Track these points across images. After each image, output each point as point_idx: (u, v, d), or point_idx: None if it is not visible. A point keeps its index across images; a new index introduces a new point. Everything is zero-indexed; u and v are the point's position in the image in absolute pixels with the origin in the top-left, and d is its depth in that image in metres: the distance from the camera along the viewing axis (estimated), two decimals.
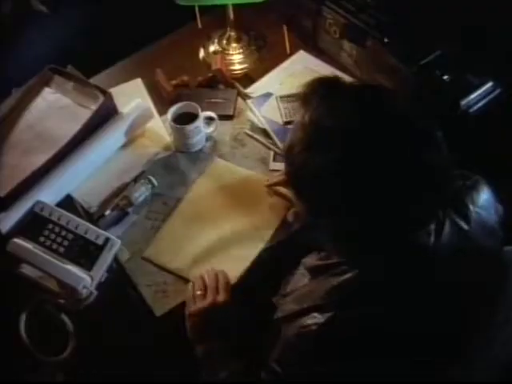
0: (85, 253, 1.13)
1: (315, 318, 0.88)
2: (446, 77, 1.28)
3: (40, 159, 1.26)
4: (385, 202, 0.79)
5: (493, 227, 0.96)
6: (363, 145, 0.78)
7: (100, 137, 1.32)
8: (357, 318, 0.86)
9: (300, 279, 1.04)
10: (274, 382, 0.96)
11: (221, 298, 1.11)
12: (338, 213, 0.83)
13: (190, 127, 1.32)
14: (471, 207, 0.93)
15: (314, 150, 0.81)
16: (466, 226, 0.91)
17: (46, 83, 1.42)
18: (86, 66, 1.47)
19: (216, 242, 1.23)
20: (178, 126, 1.32)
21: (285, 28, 1.62)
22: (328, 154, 0.79)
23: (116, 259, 1.19)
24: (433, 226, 0.87)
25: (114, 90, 1.39)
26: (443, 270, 0.87)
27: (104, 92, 1.35)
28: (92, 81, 1.44)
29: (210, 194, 1.31)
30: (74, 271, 1.11)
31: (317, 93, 0.86)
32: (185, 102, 1.36)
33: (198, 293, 1.12)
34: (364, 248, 0.87)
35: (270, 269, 1.18)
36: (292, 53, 1.59)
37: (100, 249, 1.14)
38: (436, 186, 0.81)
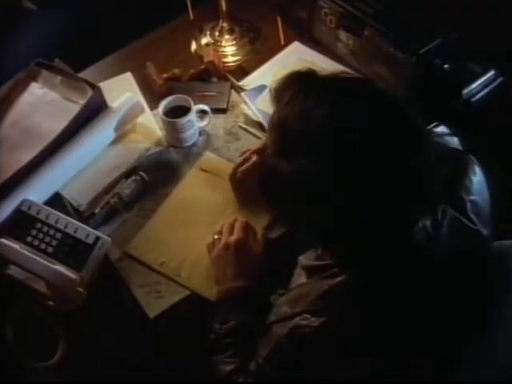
0: (74, 252, 1.10)
1: (308, 320, 0.85)
2: (446, 65, 1.24)
3: (27, 156, 1.21)
4: (362, 213, 0.73)
5: (488, 215, 0.92)
6: (335, 152, 0.72)
7: (89, 132, 1.28)
8: (351, 322, 0.83)
9: (297, 278, 1.01)
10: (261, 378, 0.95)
11: (233, 237, 1.11)
12: (308, 225, 0.80)
13: (182, 121, 1.28)
14: (465, 197, 0.89)
15: (282, 155, 0.76)
16: (464, 220, 0.87)
17: (33, 78, 1.38)
18: (75, 61, 1.42)
19: (203, 238, 1.19)
20: (170, 119, 1.28)
21: (279, 19, 1.59)
22: (296, 161, 0.74)
23: (107, 259, 1.15)
24: (429, 223, 0.82)
25: (103, 85, 1.35)
26: (442, 269, 0.83)
27: (93, 86, 1.31)
28: (81, 75, 1.40)
29: (199, 189, 1.28)
30: (63, 272, 1.07)
31: (288, 89, 0.79)
32: (176, 95, 1.32)
33: (216, 237, 1.15)
34: (347, 250, 0.83)
35: (268, 267, 1.15)
36: (286, 44, 1.55)
37: (90, 248, 1.10)
38: (422, 187, 0.75)
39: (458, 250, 0.85)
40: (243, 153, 1.24)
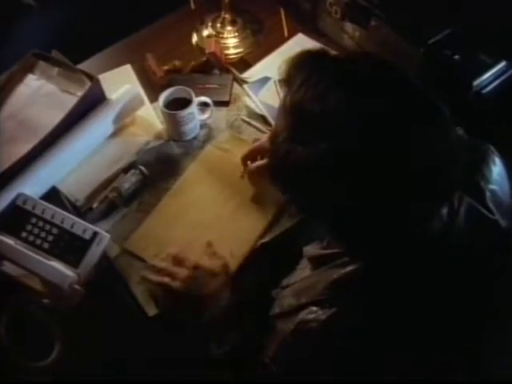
0: (71, 248, 1.07)
1: (315, 314, 0.81)
2: (456, 56, 1.21)
3: (23, 149, 1.18)
4: (379, 201, 0.70)
5: (509, 208, 0.88)
6: (353, 134, 0.68)
7: (87, 125, 1.25)
8: (359, 315, 0.79)
9: (301, 271, 0.98)
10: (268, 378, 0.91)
11: (175, 282, 1.03)
12: (322, 212, 0.76)
13: (183, 113, 1.24)
14: (484, 186, 0.86)
15: (297, 141, 0.72)
16: (482, 209, 0.83)
17: (30, 69, 1.34)
18: (73, 54, 1.40)
19: (205, 233, 1.16)
20: (171, 111, 1.25)
21: (282, 10, 1.56)
22: (312, 145, 0.70)
23: (105, 255, 1.12)
24: (445, 211, 0.79)
25: (102, 76, 1.31)
26: (456, 259, 0.80)
27: (91, 77, 1.27)
28: (80, 67, 1.37)
29: (200, 183, 1.24)
30: (59, 268, 1.04)
31: (300, 70, 0.75)
32: (177, 87, 1.28)
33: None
34: (360, 242, 0.80)
35: (270, 261, 1.12)
36: (290, 36, 1.52)
37: (87, 244, 1.07)
38: (444, 178, 0.72)
39: (473, 240, 0.81)
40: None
